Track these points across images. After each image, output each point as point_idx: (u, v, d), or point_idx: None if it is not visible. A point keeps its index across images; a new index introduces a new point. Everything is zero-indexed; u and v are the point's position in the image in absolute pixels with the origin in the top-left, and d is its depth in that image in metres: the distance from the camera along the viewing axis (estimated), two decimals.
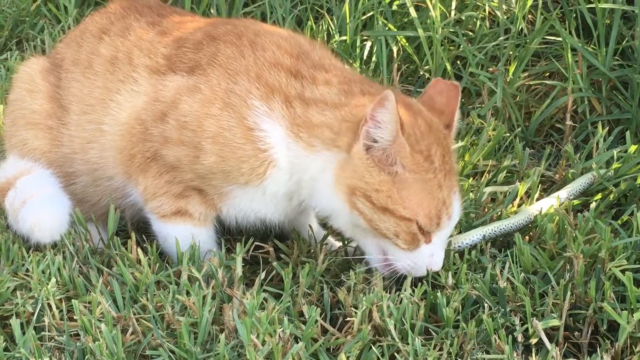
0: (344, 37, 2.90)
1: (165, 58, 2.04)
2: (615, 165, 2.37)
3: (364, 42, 2.90)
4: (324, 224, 2.25)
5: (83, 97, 2.12)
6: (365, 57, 2.87)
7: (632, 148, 2.42)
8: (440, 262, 1.89)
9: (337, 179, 1.86)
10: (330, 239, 2.14)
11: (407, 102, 1.93)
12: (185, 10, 2.94)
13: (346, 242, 2.09)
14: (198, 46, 2.02)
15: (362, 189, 1.84)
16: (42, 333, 1.80)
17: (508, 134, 2.63)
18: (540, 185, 2.37)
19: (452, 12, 2.92)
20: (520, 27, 2.84)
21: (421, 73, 2.90)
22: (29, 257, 1.99)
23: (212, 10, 3.10)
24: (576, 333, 1.83)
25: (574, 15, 2.85)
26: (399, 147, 1.81)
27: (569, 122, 2.67)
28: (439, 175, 1.84)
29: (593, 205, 2.19)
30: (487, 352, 1.75)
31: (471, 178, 2.43)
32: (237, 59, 1.97)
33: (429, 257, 1.87)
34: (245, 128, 1.90)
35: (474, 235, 2.07)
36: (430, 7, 2.81)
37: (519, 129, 2.70)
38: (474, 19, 2.97)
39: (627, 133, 2.51)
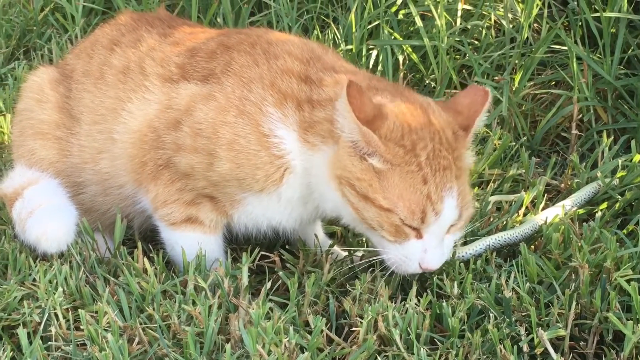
0: (350, 46, 2.91)
1: (178, 67, 2.05)
2: (620, 173, 2.37)
3: (370, 51, 2.91)
4: (330, 234, 2.26)
5: (94, 108, 2.13)
6: (371, 66, 2.88)
7: (637, 157, 2.41)
8: (434, 260, 1.84)
9: (329, 170, 1.86)
10: (336, 248, 2.15)
11: (407, 98, 1.92)
12: (192, 19, 2.96)
13: (352, 252, 2.09)
14: (212, 55, 2.03)
15: (347, 178, 1.83)
16: (49, 343, 1.80)
17: (514, 143, 2.64)
18: (545, 195, 2.37)
19: (458, 21, 2.92)
20: (525, 36, 2.84)
21: (427, 82, 2.91)
22: (36, 266, 2.00)
23: (218, 20, 3.11)
24: (582, 343, 1.83)
25: (580, 24, 2.85)
26: (365, 136, 1.80)
27: (574, 131, 2.66)
28: (425, 169, 1.81)
29: (598, 214, 2.20)
30: None
31: (477, 187, 2.43)
32: (251, 67, 1.97)
33: (421, 252, 1.83)
34: (261, 135, 1.91)
35: (478, 246, 2.07)
36: (436, 16, 2.81)
37: (525, 137, 2.70)
38: (480, 28, 2.97)
39: (633, 142, 2.50)
